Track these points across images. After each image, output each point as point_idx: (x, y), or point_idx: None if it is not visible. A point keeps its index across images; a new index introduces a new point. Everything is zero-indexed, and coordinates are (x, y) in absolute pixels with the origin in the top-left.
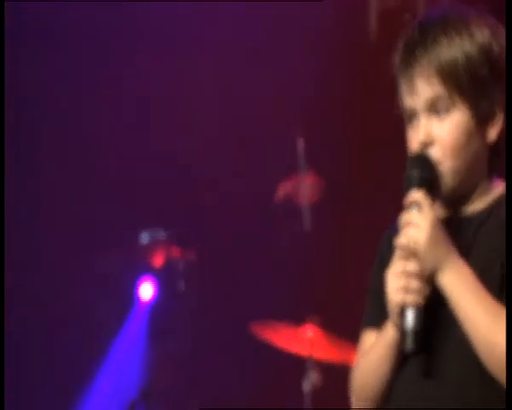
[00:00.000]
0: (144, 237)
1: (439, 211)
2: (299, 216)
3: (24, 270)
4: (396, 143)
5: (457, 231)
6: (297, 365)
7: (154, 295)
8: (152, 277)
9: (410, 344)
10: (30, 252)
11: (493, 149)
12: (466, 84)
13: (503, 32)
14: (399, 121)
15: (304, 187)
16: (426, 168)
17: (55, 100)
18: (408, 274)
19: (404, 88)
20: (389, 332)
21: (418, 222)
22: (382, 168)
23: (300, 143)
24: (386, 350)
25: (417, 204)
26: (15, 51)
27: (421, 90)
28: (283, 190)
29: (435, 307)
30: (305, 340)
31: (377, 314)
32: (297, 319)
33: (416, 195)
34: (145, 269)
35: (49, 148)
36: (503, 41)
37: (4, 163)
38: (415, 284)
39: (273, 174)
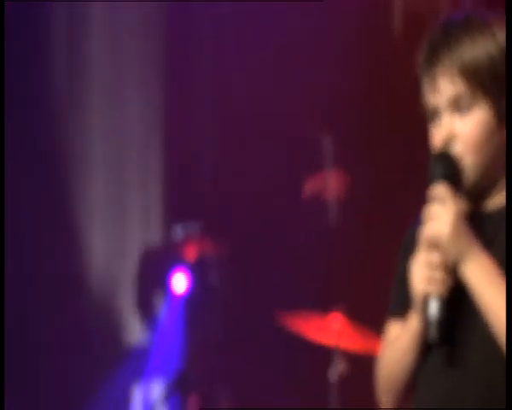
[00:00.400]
0: (178, 232)
1: (462, 205)
2: (325, 211)
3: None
4: (420, 141)
5: (479, 226)
6: (323, 355)
7: (187, 288)
8: (185, 269)
9: (434, 334)
10: (35, 248)
11: None
12: (488, 82)
13: None
14: (423, 120)
15: (330, 184)
16: (448, 164)
17: (55, 100)
18: (432, 265)
19: (427, 87)
20: (413, 323)
21: (441, 215)
22: (407, 165)
23: (326, 141)
24: (410, 341)
25: (440, 198)
26: (15, 51)
27: (443, 88)
28: (310, 186)
29: (459, 298)
30: (331, 330)
31: (402, 305)
32: (324, 309)
33: (439, 189)
34: (178, 262)
35: (49, 147)
36: None
37: (4, 163)
38: (438, 274)
39: (300, 171)
